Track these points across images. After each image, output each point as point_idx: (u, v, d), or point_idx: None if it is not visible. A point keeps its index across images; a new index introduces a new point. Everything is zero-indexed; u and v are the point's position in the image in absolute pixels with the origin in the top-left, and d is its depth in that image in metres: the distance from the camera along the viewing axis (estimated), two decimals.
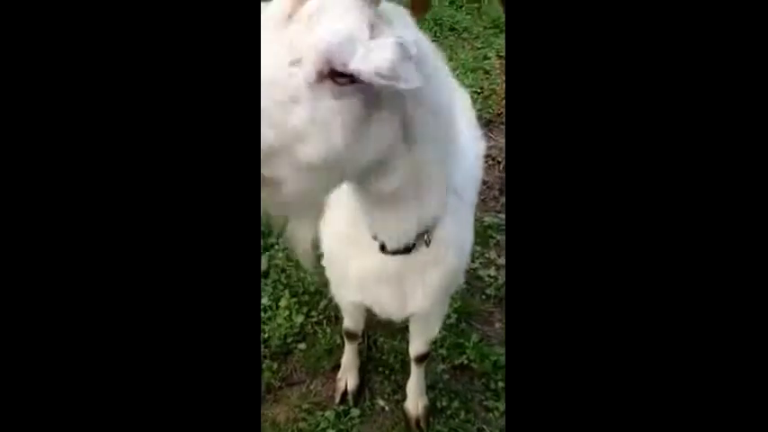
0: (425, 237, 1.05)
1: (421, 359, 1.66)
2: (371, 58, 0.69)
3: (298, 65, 0.70)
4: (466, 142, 1.20)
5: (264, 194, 0.75)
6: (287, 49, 0.71)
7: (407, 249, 1.06)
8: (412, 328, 1.57)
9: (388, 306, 1.26)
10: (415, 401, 1.74)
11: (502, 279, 2.10)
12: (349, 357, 1.79)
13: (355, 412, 1.75)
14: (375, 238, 1.06)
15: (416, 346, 1.61)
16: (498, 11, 3.37)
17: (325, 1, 0.72)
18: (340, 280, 1.34)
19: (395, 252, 1.06)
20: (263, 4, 0.73)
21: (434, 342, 1.93)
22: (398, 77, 0.70)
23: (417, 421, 1.73)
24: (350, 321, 1.66)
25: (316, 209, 1.04)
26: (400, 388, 1.81)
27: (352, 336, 1.72)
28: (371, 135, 0.79)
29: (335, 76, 0.71)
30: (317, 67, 0.70)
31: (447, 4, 4.43)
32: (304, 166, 0.75)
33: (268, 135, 0.70)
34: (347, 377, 1.79)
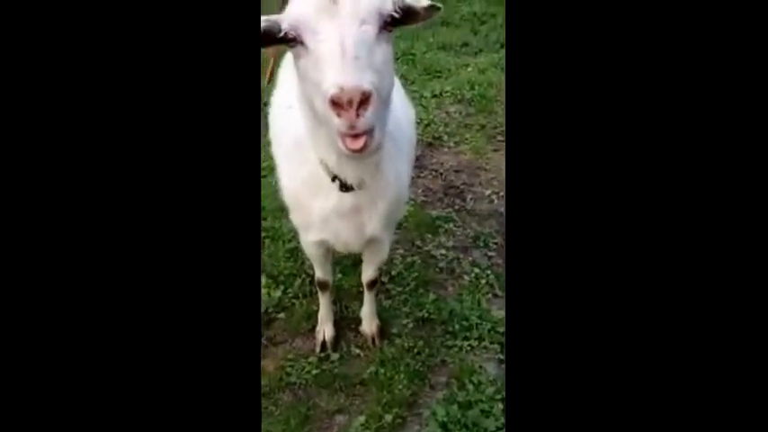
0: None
1: (372, 284, 1.98)
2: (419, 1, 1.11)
3: (366, 24, 1.03)
4: (401, 105, 1.55)
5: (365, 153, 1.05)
6: (352, 17, 1.01)
7: (360, 186, 1.34)
8: (365, 257, 1.88)
9: (347, 237, 1.55)
10: (369, 322, 2.08)
11: (450, 256, 2.45)
12: (324, 310, 2.05)
13: (335, 356, 2.00)
14: (334, 180, 1.35)
15: (369, 273, 1.93)
16: (429, 60, 3.92)
17: None
18: (305, 223, 1.61)
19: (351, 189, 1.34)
20: None
21: (399, 301, 2.24)
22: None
23: (373, 339, 2.06)
24: (319, 270, 1.91)
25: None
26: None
27: (323, 285, 1.98)
28: None
29: (387, 26, 1.06)
30: (378, 20, 1.04)
31: None
32: (385, 100, 1.06)
33: (370, 77, 0.99)
34: (324, 329, 2.05)
